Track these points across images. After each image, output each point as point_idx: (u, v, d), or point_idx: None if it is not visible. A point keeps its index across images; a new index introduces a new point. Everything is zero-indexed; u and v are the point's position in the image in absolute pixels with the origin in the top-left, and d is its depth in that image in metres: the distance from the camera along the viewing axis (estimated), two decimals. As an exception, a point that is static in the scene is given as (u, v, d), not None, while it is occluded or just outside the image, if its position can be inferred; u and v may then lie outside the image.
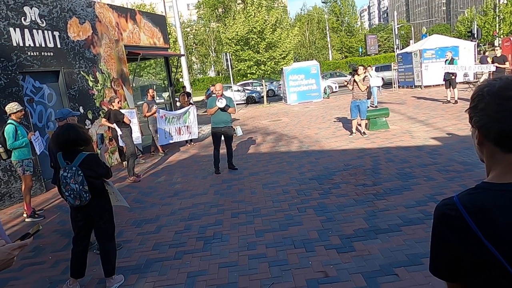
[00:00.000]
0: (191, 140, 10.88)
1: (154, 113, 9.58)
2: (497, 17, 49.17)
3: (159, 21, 12.64)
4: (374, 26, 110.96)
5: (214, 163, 7.46)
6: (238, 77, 29.38)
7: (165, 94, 14.25)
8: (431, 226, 3.54)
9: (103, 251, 3.62)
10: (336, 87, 24.58)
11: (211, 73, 55.98)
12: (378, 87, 15.22)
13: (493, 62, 11.70)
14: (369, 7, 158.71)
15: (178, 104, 12.95)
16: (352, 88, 9.21)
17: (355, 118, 9.34)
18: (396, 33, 42.50)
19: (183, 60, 18.66)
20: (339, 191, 5.60)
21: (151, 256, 4.22)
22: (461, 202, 1.06)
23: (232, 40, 20.16)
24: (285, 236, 4.31)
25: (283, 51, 20.27)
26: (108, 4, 10.42)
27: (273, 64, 20.30)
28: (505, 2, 52.17)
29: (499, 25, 49.65)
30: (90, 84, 9.01)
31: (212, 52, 50.75)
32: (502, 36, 40.73)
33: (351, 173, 6.40)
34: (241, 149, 9.72)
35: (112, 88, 9.73)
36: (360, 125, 9.46)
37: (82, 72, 8.76)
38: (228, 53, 20.29)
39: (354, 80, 9.09)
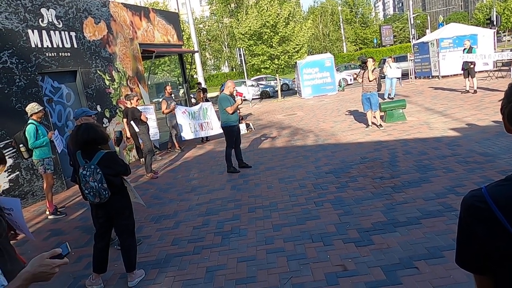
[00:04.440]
0: (207, 137, 10.95)
1: (173, 109, 9.68)
2: (517, 3, 47.67)
3: (173, 18, 12.70)
4: (389, 16, 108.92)
5: (231, 163, 7.27)
6: (252, 72, 29.34)
7: (180, 91, 14.36)
8: (451, 219, 3.50)
9: (124, 247, 3.69)
10: (351, 79, 24.31)
11: (225, 69, 56.05)
12: (398, 78, 14.98)
13: (513, 50, 11.36)
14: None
15: (193, 100, 13.04)
16: (362, 81, 9.12)
17: (368, 111, 9.24)
18: (412, 22, 41.60)
19: (197, 56, 18.73)
20: (356, 184, 5.55)
21: (171, 251, 4.28)
22: (490, 194, 1.04)
23: (245, 35, 20.12)
24: (303, 230, 4.31)
25: (297, 45, 20.12)
26: (122, 3, 10.53)
27: (286, 58, 20.19)
28: (526, -13, 50.47)
29: (520, 11, 48.13)
30: (107, 83, 9.14)
31: (225, 47, 50.79)
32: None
33: (368, 166, 6.34)
34: (257, 144, 9.73)
35: (128, 86, 9.85)
36: (375, 117, 9.34)
37: (98, 71, 8.89)
38: (241, 48, 20.30)
39: (363, 73, 9.01)
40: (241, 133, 9.29)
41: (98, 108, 8.70)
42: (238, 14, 23.51)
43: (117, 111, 9.27)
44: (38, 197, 7.08)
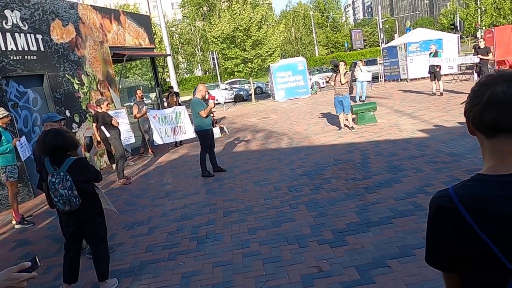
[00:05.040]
0: (180, 141, 10.83)
1: (145, 114, 9.53)
2: (478, 9, 49.87)
3: (144, 21, 12.52)
4: (359, 21, 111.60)
5: (206, 167, 7.22)
6: (225, 76, 29.29)
7: (152, 95, 14.15)
8: (421, 218, 3.60)
9: (95, 255, 3.59)
10: (323, 82, 24.69)
11: (198, 72, 55.71)
12: (369, 81, 15.33)
13: (476, 54, 11.88)
14: (353, 2, 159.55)
15: (166, 104, 12.87)
16: (334, 84, 9.30)
17: (340, 113, 9.41)
18: (381, 27, 42.84)
19: (169, 60, 18.54)
20: (330, 186, 5.64)
21: (145, 258, 4.20)
22: (456, 194, 1.08)
23: (218, 39, 20.10)
24: (278, 233, 4.33)
25: (270, 48, 20.28)
26: (91, 6, 10.29)
27: (260, 61, 20.31)
28: (486, -6, 52.95)
29: (481, 17, 50.39)
30: (76, 87, 8.89)
31: (198, 51, 50.51)
32: (484, 28, 41.35)
33: (341, 168, 6.45)
34: (231, 147, 9.71)
35: (98, 90, 9.62)
36: (347, 119, 9.53)
37: (67, 75, 8.64)
38: (214, 52, 20.24)
39: (335, 76, 9.20)
40: (215, 136, 9.27)
41: (67, 113, 8.45)
42: (211, 18, 23.45)
43: (87, 116, 9.02)
44: (3, 206, 6.79)
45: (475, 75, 12.95)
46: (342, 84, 9.17)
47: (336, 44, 61.11)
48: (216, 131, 11.29)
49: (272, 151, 8.57)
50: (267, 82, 25.43)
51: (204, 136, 7.07)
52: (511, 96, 1.00)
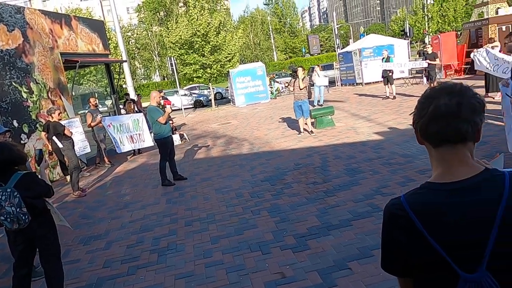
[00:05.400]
0: (139, 149, 10.54)
1: (99, 122, 9.18)
2: (425, 16, 52.77)
3: (97, 26, 12.11)
4: (316, 26, 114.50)
5: (166, 176, 7.05)
6: (184, 81, 28.94)
7: (108, 102, 13.71)
8: (378, 219, 3.70)
9: (48, 274, 3.39)
10: (282, 87, 25.02)
11: (156, 78, 54.64)
12: (326, 86, 15.71)
13: (424, 59, 12.53)
14: (309, 8, 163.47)
15: (123, 111, 12.50)
16: (293, 89, 9.46)
17: (300, 118, 9.57)
18: (336, 33, 44.15)
19: (125, 66, 18.03)
20: (291, 190, 5.70)
21: (103, 274, 4.02)
22: (408, 202, 1.12)
23: (176, 44, 19.84)
24: (241, 240, 4.30)
25: (229, 54, 20.30)
26: (40, 10, 9.81)
27: (219, 67, 20.26)
28: (432, 2, 56.21)
29: (428, 24, 53.33)
30: (24, 95, 8.41)
31: (156, 56, 49.58)
32: (431, 34, 43.76)
33: (301, 172, 6.55)
34: (192, 155, 9.58)
35: (49, 99, 9.16)
36: (306, 124, 9.70)
37: (14, 83, 8.16)
38: (172, 57, 19.93)
39: (294, 81, 9.37)
40: (175, 144, 9.08)
41: (15, 123, 7.97)
42: (168, 23, 23.14)
43: (37, 125, 8.56)
44: None
45: (424, 79, 13.65)
46: (300, 89, 9.33)
47: (294, 49, 62.26)
48: (176, 138, 11.11)
49: (233, 157, 8.55)
50: (227, 87, 25.39)
51: (164, 144, 6.91)
52: (453, 108, 1.06)
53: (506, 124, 5.18)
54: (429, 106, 1.10)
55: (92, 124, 9.26)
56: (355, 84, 20.39)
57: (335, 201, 5.02)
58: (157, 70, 52.03)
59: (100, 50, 11.87)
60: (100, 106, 13.09)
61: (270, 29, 55.49)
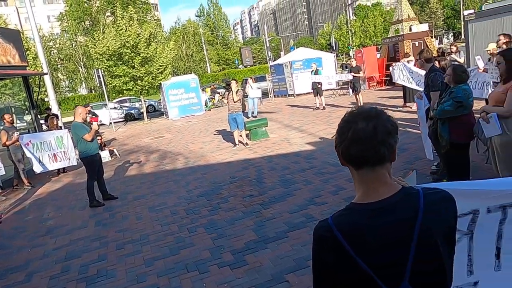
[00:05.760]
0: (63, 168, 9.80)
1: (16, 141, 8.38)
2: (349, 31, 56.38)
3: (13, 36, 11.17)
4: (248, 39, 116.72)
5: (94, 196, 6.63)
6: (114, 94, 27.72)
7: (27, 117, 12.62)
8: (313, 229, 3.75)
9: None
10: (210, 100, 24.97)
11: (83, 91, 51.62)
12: (259, 97, 15.98)
13: (350, 72, 13.32)
14: (241, 20, 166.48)
15: (44, 127, 11.58)
16: (227, 102, 9.52)
17: (234, 130, 9.61)
18: (268, 45, 45.39)
19: (46, 78, 16.78)
20: (228, 205, 5.65)
21: (21, 311, 3.63)
22: (335, 223, 1.16)
23: (104, 55, 18.96)
24: (177, 260, 4.16)
25: (160, 66, 19.85)
26: None
27: (150, 79, 19.72)
28: (355, 18, 60.31)
29: (352, 38, 57.02)
30: None
31: (81, 68, 46.92)
32: (355, 48, 46.81)
33: (237, 185, 6.54)
34: (123, 172, 9.13)
35: (-45, 116, 8.19)
36: (241, 136, 9.76)
37: None
38: (100, 69, 18.99)
39: (228, 94, 9.43)
40: (104, 161, 8.61)
41: None
42: (94, 33, 22.05)
43: None
44: None
45: (350, 90, 14.48)
46: (235, 102, 9.39)
47: (227, 61, 62.77)
48: (105, 154, 10.54)
49: (167, 173, 8.30)
50: (160, 99, 24.76)
51: (91, 162, 6.49)
52: (370, 132, 1.12)
53: (422, 132, 5.65)
54: (348, 130, 1.15)
55: (8, 143, 8.44)
56: (287, 96, 21.03)
57: (271, 213, 5.07)
58: (83, 83, 49.20)
59: (17, 61, 10.93)
60: (18, 122, 12.01)
61: (203, 40, 55.45)
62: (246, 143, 9.61)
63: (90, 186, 6.55)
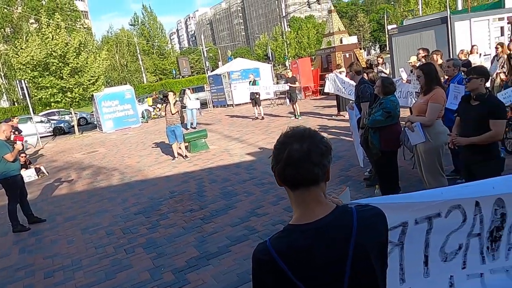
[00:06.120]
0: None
1: None
2: (285, 42, 58.20)
3: None
4: (185, 48, 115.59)
5: (18, 221, 6.02)
6: (40, 106, 25.82)
7: None
8: (255, 241, 3.77)
9: None
10: (152, 110, 24.32)
11: (4, 103, 47.41)
12: (198, 108, 15.81)
13: (286, 82, 13.69)
14: (177, 30, 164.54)
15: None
16: (165, 114, 9.30)
17: (173, 143, 9.39)
18: (205, 55, 45.27)
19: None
20: (168, 221, 5.47)
21: None
22: (273, 246, 1.16)
23: (27, 66, 17.60)
24: (113, 285, 3.92)
25: (92, 76, 18.86)
26: None
27: (81, 90, 18.65)
28: (289, 30, 62.44)
29: (287, 49, 58.88)
30: None
31: (2, 78, 43.16)
32: (290, 59, 48.38)
33: (177, 200, 6.36)
34: (51, 191, 8.47)
35: None
36: (180, 148, 9.56)
37: None
38: (23, 80, 17.59)
39: (166, 106, 9.23)
40: (29, 180, 7.95)
41: None
42: (16, 41, 20.39)
43: None
44: None
45: (287, 100, 14.85)
46: (173, 114, 9.18)
47: (164, 71, 61.48)
48: (31, 173, 9.73)
49: (102, 190, 7.85)
50: (92, 112, 23.51)
51: (12, 184, 5.92)
52: (304, 154, 1.14)
53: (354, 141, 5.95)
54: (283, 152, 1.16)
55: None
56: (226, 106, 21.07)
57: (212, 227, 4.99)
58: (4, 94, 45.24)
59: None
60: None
61: (138, 50, 53.83)
62: (186, 156, 9.43)
63: (12, 210, 5.96)
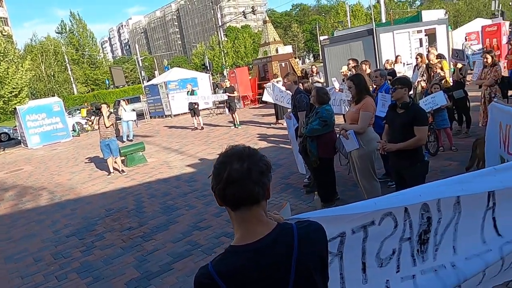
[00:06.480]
0: None
1: None
2: (222, 52, 58.44)
3: None
4: (118, 58, 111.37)
5: None
6: (-47, 122, 23.24)
7: None
8: (198, 256, 3.68)
9: None
10: (85, 123, 23.02)
11: None
12: (134, 120, 15.23)
13: (225, 92, 13.72)
14: (110, 38, 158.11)
15: None
16: (99, 128, 8.84)
17: (108, 157, 8.94)
18: (141, 65, 43.96)
19: None
20: (104, 242, 5.16)
21: None
22: (215, 269, 1.14)
23: None
24: (44, 318, 3.59)
25: (14, 88, 17.41)
26: None
27: (1, 103, 17.12)
28: (226, 39, 62.90)
29: (225, 58, 59.17)
30: None
31: None
32: (228, 68, 48.68)
33: (114, 218, 6.04)
34: (-32, 217, 7.62)
35: None
36: (116, 163, 9.13)
37: None
38: None
39: (99, 119, 8.78)
40: None
41: None
42: None
43: None
44: None
45: (226, 109, 14.89)
46: (107, 127, 8.74)
47: (96, 81, 58.62)
48: None
49: (28, 212, 7.22)
50: (15, 126, 21.62)
51: None
52: (244, 173, 1.13)
53: (293, 149, 6.10)
54: (223, 172, 1.15)
55: None
56: (164, 116, 20.57)
57: (153, 245, 4.80)
58: None
59: None
60: None
61: (66, 59, 50.77)
62: (122, 170, 9.02)
63: None
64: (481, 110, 6.70)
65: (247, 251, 1.14)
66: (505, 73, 9.03)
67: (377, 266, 1.63)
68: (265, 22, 20.50)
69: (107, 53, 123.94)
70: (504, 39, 16.21)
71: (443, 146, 6.54)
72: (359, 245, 1.57)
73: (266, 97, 11.42)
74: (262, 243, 1.15)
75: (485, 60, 6.56)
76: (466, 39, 18.77)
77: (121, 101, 16.56)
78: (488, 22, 19.38)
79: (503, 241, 1.77)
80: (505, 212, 1.75)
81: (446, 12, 20.95)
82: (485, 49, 14.05)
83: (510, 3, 52.23)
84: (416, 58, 9.03)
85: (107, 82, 52.30)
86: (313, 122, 4.73)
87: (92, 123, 9.23)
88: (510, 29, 18.94)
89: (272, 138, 10.11)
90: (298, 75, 15.92)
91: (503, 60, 11.57)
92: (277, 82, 11.50)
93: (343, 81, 8.04)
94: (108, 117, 8.73)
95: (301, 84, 6.13)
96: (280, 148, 8.79)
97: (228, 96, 13.29)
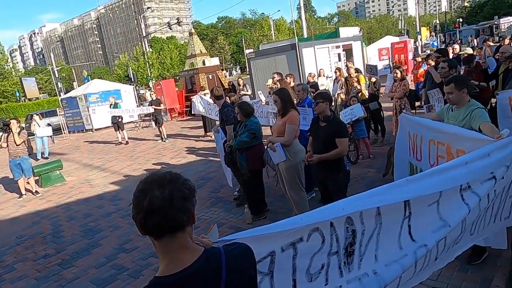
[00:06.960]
0: None
1: None
2: (147, 63, 56.78)
3: None
4: (31, 67, 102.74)
5: None
6: None
7: None
8: (125, 280, 3.48)
9: None
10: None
11: None
12: (49, 136, 14.01)
13: (151, 105, 13.28)
14: (20, 47, 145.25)
15: None
16: (7, 146, 7.98)
17: (19, 178, 8.11)
18: (57, 75, 40.97)
19: None
20: (15, 274, 4.63)
21: None
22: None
23: None
24: None
25: None
26: None
27: None
28: (151, 50, 61.25)
29: (150, 70, 57.55)
30: None
31: None
32: (154, 80, 47.36)
33: (27, 246, 5.46)
34: None
35: None
36: (29, 183, 8.31)
37: None
38: None
39: (7, 136, 7.95)
40: None
41: None
42: None
43: None
44: None
45: (153, 123, 14.41)
46: (17, 145, 7.93)
47: (4, 93, 53.27)
48: None
49: None
50: None
51: None
52: (166, 200, 1.08)
53: (222, 163, 6.07)
54: (144, 200, 1.09)
55: None
56: (84, 131, 19.31)
57: (73, 273, 4.42)
58: None
59: None
60: None
61: (-32, 69, 45.48)
62: (36, 192, 8.23)
63: None
64: (393, 120, 7.30)
65: (172, 282, 1.08)
66: (412, 86, 9.99)
67: (307, 282, 1.66)
68: (191, 34, 20.37)
69: (17, 62, 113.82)
70: (410, 55, 18.03)
71: (362, 154, 7.00)
72: (289, 262, 1.58)
73: (196, 109, 11.30)
74: (188, 271, 1.10)
75: (395, 75, 7.19)
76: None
77: (34, 115, 15.21)
78: (396, 39, 21.43)
79: (416, 245, 1.92)
80: (418, 219, 1.90)
81: (360, 29, 22.65)
82: (394, 64, 15.46)
83: (414, 23, 58.24)
84: (335, 72, 9.59)
85: (17, 94, 47.86)
86: (242, 134, 4.77)
87: (0, 140, 8.30)
88: (414, 46, 21.10)
89: (201, 151, 9.99)
90: (226, 87, 16.02)
91: (410, 74, 12.83)
92: (204, 94, 11.44)
93: (269, 94, 8.24)
94: (19, 133, 7.94)
95: (227, 98, 6.15)
96: (209, 161, 8.71)
97: (155, 109, 12.89)
